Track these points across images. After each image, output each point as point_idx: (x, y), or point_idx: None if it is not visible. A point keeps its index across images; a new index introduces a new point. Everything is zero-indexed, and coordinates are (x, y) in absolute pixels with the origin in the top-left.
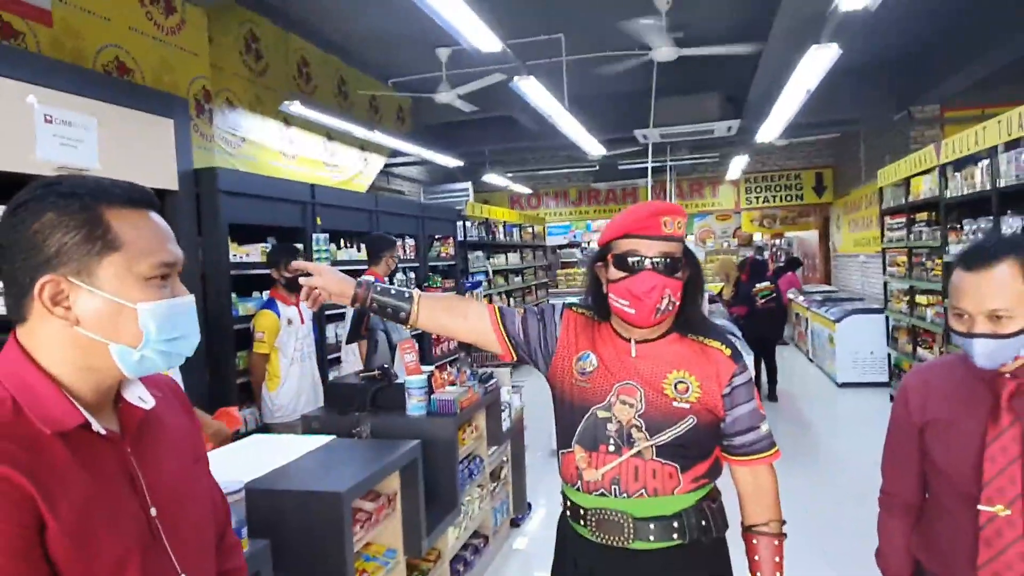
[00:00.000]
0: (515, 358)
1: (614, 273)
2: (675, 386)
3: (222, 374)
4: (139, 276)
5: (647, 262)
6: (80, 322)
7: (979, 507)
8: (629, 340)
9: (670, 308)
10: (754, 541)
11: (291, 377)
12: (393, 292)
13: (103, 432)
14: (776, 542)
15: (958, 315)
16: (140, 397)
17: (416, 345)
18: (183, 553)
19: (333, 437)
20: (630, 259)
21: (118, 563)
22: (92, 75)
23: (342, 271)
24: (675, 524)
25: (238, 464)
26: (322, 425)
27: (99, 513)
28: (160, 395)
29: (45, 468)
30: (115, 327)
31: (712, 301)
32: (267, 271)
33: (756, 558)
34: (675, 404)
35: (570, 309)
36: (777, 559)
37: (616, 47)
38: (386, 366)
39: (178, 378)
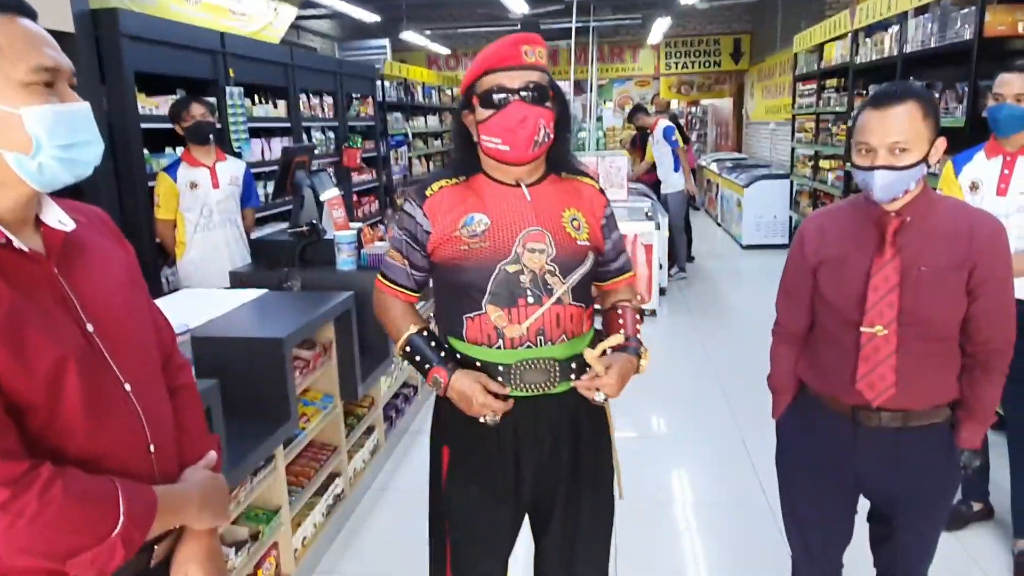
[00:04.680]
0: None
1: (482, 113)
2: (571, 223)
3: (136, 234)
4: (17, 82)
5: (514, 94)
6: None
7: (861, 329)
8: (517, 185)
9: (546, 140)
10: (619, 311)
11: (195, 245)
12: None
13: (25, 249)
14: (637, 315)
15: (862, 151)
16: (60, 220)
17: (343, 201)
18: (126, 366)
19: (265, 290)
20: (496, 95)
21: (54, 369)
22: None
23: (258, 128)
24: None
25: (174, 313)
26: (250, 280)
27: (28, 322)
28: (85, 221)
29: None
30: (3, 134)
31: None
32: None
33: (620, 321)
34: (579, 243)
35: (428, 195)
36: (634, 320)
37: None
38: (314, 222)
39: None
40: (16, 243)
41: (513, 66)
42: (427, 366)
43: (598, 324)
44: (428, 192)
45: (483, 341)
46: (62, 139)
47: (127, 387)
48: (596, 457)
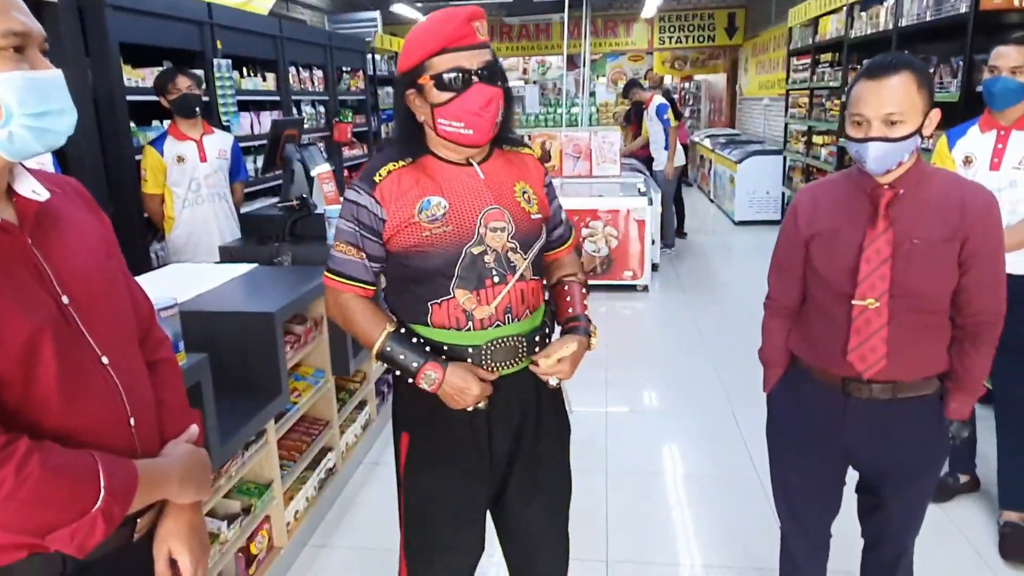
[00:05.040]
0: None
1: (439, 96)
2: (523, 196)
3: (124, 208)
4: None
5: (475, 76)
6: None
7: (853, 302)
8: (468, 164)
9: (501, 119)
10: (566, 287)
11: (183, 219)
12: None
13: None
14: (583, 289)
15: (856, 123)
16: (33, 190)
17: (334, 176)
18: (102, 339)
19: (256, 265)
20: (455, 76)
21: (29, 341)
22: None
23: (247, 101)
24: (545, 330)
25: (163, 288)
26: (240, 255)
27: (1, 294)
28: (59, 192)
29: None
30: None
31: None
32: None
33: (568, 299)
34: (533, 216)
35: (377, 181)
36: (582, 296)
37: None
38: (304, 196)
39: None
40: None
41: (469, 45)
42: (415, 364)
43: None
44: (377, 178)
45: (451, 325)
46: (33, 107)
47: (104, 360)
48: (557, 423)
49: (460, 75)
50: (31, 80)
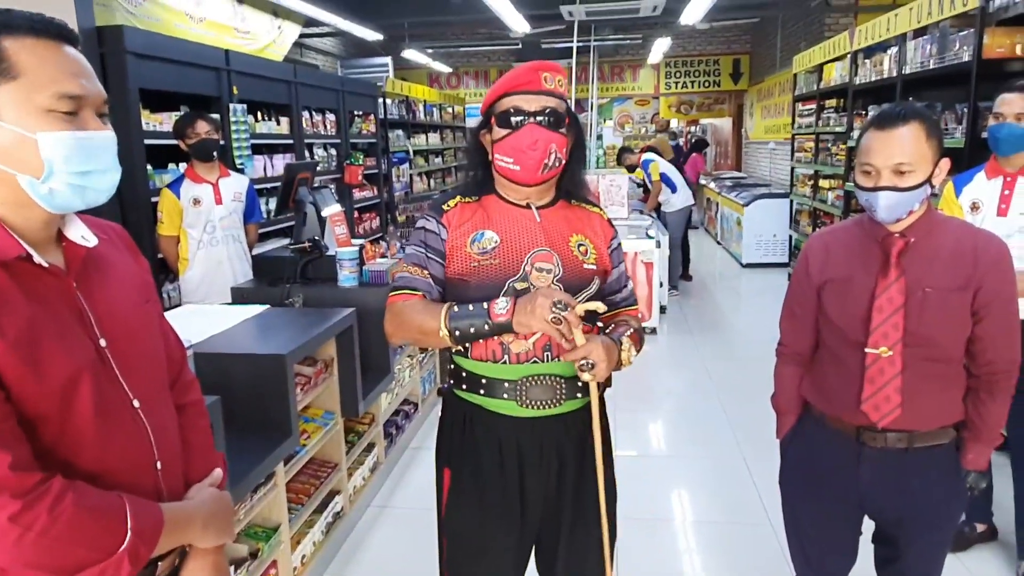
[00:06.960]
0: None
1: (498, 133)
2: (578, 248)
3: (140, 249)
4: (39, 107)
5: (529, 117)
6: None
7: (866, 350)
8: (528, 207)
9: (556, 164)
10: (620, 320)
11: (198, 261)
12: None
13: (45, 265)
14: (633, 331)
15: (866, 172)
16: (83, 236)
17: (345, 218)
18: (135, 382)
19: (267, 306)
20: (513, 116)
21: (69, 382)
22: None
23: (260, 144)
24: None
25: (176, 329)
26: (252, 296)
27: (45, 334)
28: (105, 237)
29: None
30: (18, 157)
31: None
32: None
33: (614, 324)
34: (585, 266)
35: (446, 210)
36: (629, 331)
37: None
38: (316, 238)
39: None
40: (36, 258)
41: (531, 90)
42: (484, 305)
43: None
44: (445, 207)
45: (488, 357)
46: (76, 166)
47: (135, 403)
48: (605, 477)
49: (517, 115)
50: (79, 140)
